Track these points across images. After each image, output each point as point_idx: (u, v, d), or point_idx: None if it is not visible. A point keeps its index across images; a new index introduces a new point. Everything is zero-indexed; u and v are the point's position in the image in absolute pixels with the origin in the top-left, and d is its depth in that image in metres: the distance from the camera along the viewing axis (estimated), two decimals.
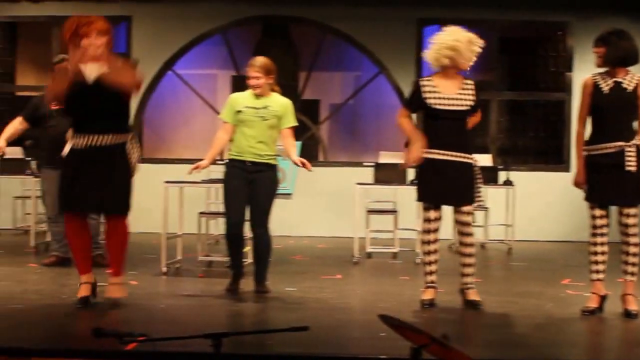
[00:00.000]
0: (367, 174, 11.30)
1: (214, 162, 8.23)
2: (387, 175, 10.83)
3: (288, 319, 6.89)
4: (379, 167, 11.06)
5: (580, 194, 7.37)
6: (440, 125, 7.41)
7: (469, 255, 7.48)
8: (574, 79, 14.26)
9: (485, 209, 12.31)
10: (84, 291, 7.25)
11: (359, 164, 13.39)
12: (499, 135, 14.85)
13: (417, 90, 7.49)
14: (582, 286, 8.40)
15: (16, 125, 9.70)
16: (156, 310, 7.24)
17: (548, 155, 14.89)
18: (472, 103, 7.41)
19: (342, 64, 15.63)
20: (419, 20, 13.97)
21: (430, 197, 7.47)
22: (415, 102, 7.53)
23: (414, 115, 7.91)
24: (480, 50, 7.42)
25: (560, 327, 6.99)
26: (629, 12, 13.07)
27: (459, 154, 7.36)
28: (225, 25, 14.51)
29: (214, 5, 14.15)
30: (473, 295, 7.48)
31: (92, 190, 7.05)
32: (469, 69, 7.47)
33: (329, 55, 15.19)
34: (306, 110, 14.73)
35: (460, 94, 7.38)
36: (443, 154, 7.33)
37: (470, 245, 7.48)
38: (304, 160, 7.77)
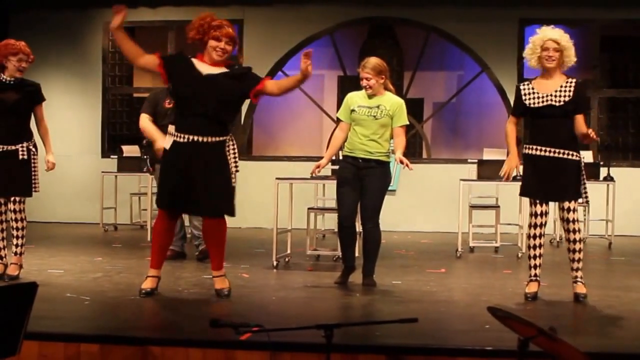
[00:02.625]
0: (470, 170, 11.27)
1: (318, 159, 8.28)
2: (489, 171, 10.77)
3: (394, 311, 6.88)
4: (482, 164, 11.02)
5: None
6: (539, 123, 7.37)
7: (575, 250, 7.39)
8: None
9: (587, 204, 12.13)
10: (149, 283, 7.35)
11: (462, 161, 13.38)
12: (600, 132, 14.64)
13: (517, 95, 7.46)
14: None
15: (149, 122, 9.59)
16: (268, 302, 7.30)
17: None
18: (567, 99, 7.26)
19: (445, 64, 15.59)
20: (521, 20, 13.85)
21: (531, 192, 7.44)
22: (518, 107, 7.48)
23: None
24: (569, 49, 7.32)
25: None
26: None
27: (559, 150, 7.26)
28: (333, 27, 14.58)
29: (322, 8, 14.22)
30: (579, 289, 7.40)
31: (190, 191, 7.08)
32: (568, 67, 7.40)
33: (432, 55, 15.15)
34: (410, 108, 14.66)
35: (558, 91, 7.28)
36: (543, 150, 7.27)
37: (575, 241, 7.38)
38: (405, 160, 7.74)
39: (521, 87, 7.44)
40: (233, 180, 7.32)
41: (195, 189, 7.06)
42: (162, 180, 7.38)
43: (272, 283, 8.44)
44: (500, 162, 10.63)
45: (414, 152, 14.81)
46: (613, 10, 13.53)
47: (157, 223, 7.36)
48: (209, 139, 7.05)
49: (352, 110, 8.03)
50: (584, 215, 12.38)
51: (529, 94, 7.35)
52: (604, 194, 12.22)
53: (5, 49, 7.86)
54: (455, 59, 15.11)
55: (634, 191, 13.64)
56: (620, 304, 7.48)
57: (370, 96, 8.03)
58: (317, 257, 9.98)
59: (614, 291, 8.19)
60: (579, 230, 7.41)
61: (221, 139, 7.14)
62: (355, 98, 8.12)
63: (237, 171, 7.39)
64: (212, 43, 7.06)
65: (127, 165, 12.87)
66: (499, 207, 11.35)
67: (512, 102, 7.79)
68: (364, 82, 7.98)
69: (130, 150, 13.01)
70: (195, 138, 7.02)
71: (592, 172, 11.54)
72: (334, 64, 15.06)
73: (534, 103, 7.30)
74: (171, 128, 7.24)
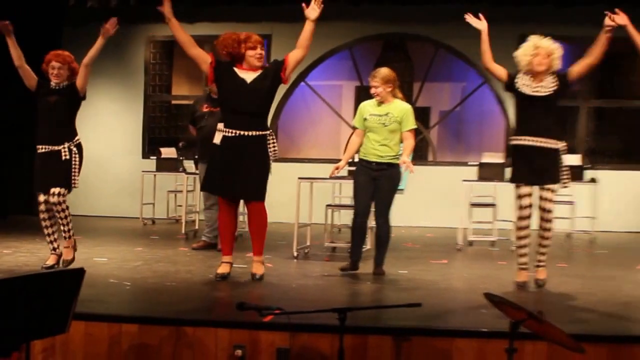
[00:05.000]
0: (471, 172, 11.32)
1: (336, 161, 8.34)
2: (489, 173, 10.85)
3: (401, 297, 6.94)
4: (482, 166, 11.07)
5: None
6: (526, 114, 7.33)
7: (546, 238, 7.34)
8: None
9: (572, 203, 12.17)
10: (223, 268, 7.54)
11: (464, 164, 13.39)
12: (587, 138, 14.67)
13: (513, 74, 7.42)
14: None
15: (194, 133, 9.96)
16: (289, 289, 7.35)
17: (630, 156, 14.63)
18: (556, 88, 7.23)
19: (450, 76, 15.59)
20: (520, 36, 13.76)
21: (518, 177, 7.35)
22: (510, 78, 7.42)
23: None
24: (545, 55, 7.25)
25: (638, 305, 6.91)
26: None
27: (543, 139, 7.21)
28: (351, 42, 14.64)
29: (342, 25, 14.22)
30: (540, 274, 7.41)
31: (237, 178, 7.37)
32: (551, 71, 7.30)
33: (439, 68, 15.17)
34: (418, 116, 14.69)
35: (545, 83, 7.25)
36: (530, 140, 7.22)
37: (548, 230, 7.32)
38: (408, 162, 7.78)
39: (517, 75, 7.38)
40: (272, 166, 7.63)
41: (242, 176, 7.37)
42: (212, 170, 7.55)
43: (293, 272, 8.49)
44: (498, 165, 10.75)
45: (421, 155, 14.83)
46: (599, 29, 13.49)
47: (221, 214, 7.61)
48: (254, 133, 7.39)
49: (365, 119, 8.07)
50: (571, 213, 12.39)
51: (521, 79, 7.32)
52: (589, 194, 12.24)
53: (45, 58, 7.95)
54: (460, 71, 15.09)
55: (616, 191, 13.66)
56: (600, 291, 7.53)
57: (379, 104, 8.06)
58: (333, 249, 10.01)
59: (596, 280, 8.24)
60: (552, 221, 7.34)
61: (263, 133, 7.46)
62: (367, 107, 8.15)
63: (275, 159, 7.64)
64: (250, 52, 7.42)
65: (164, 166, 12.95)
66: (495, 205, 11.38)
67: (510, 112, 7.78)
68: (372, 91, 8.04)
69: (168, 152, 13.09)
70: (243, 133, 7.35)
71: (578, 174, 11.56)
72: (352, 75, 15.11)
73: (525, 90, 7.26)
74: (220, 125, 7.49)
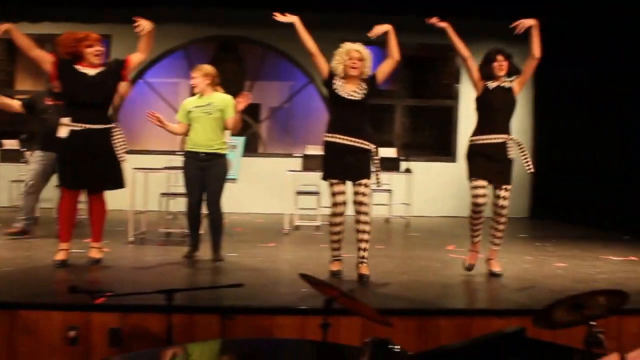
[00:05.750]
0: (297, 163, 11.36)
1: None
2: (312, 163, 10.89)
3: (228, 278, 6.84)
4: (306, 158, 11.11)
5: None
6: (339, 113, 7.06)
7: (364, 231, 7.03)
8: (461, 89, 14.44)
9: (389, 191, 12.40)
10: (62, 255, 7.29)
11: (290, 155, 13.42)
12: (403, 134, 14.98)
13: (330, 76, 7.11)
14: (462, 251, 8.51)
15: (14, 103, 9.41)
16: (125, 272, 7.15)
17: (440, 149, 15.04)
18: (366, 92, 7.01)
19: (279, 75, 15.60)
20: (342, 40, 13.91)
21: (331, 174, 7.06)
22: (329, 76, 7.12)
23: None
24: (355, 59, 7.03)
25: (446, 282, 7.06)
26: (499, 37, 13.24)
27: (350, 137, 6.94)
28: (187, 43, 14.48)
29: (178, 27, 14.08)
30: (363, 270, 7.02)
31: (93, 171, 7.19)
32: (365, 76, 7.08)
33: (269, 68, 15.18)
34: (249, 112, 14.70)
35: (357, 87, 7.01)
36: (339, 138, 6.96)
37: (365, 222, 7.01)
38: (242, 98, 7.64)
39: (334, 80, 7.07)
40: (122, 159, 7.34)
41: (99, 168, 7.20)
42: (63, 164, 7.27)
43: (129, 256, 8.26)
44: (318, 157, 10.77)
45: (252, 148, 14.79)
46: (412, 36, 13.80)
47: (63, 203, 7.30)
48: (100, 126, 7.18)
49: (189, 112, 7.91)
50: (389, 199, 12.63)
51: (338, 82, 7.04)
52: (404, 183, 12.51)
53: None
54: (288, 71, 15.12)
55: (427, 181, 14.04)
56: (412, 270, 7.68)
57: (200, 97, 7.95)
58: (168, 234, 9.84)
59: (409, 260, 8.39)
60: (367, 214, 7.02)
61: (108, 126, 7.27)
62: (189, 102, 8.02)
63: (124, 151, 7.39)
64: (88, 50, 7.20)
65: (7, 156, 12.47)
66: (319, 193, 11.45)
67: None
68: (192, 81, 7.95)
69: (11, 144, 12.61)
70: (89, 126, 7.12)
71: (394, 165, 11.78)
72: (188, 74, 14.85)
73: (339, 92, 6.99)
74: (66, 120, 7.20)
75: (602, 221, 12.19)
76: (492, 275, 7.40)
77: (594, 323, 3.56)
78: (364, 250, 7.05)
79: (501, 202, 7.28)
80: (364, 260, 7.04)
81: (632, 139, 11.77)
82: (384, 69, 7.14)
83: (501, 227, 7.39)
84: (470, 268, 7.51)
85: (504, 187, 7.26)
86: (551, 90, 14.17)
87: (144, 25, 7.21)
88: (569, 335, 4.06)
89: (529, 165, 7.24)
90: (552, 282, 7.10)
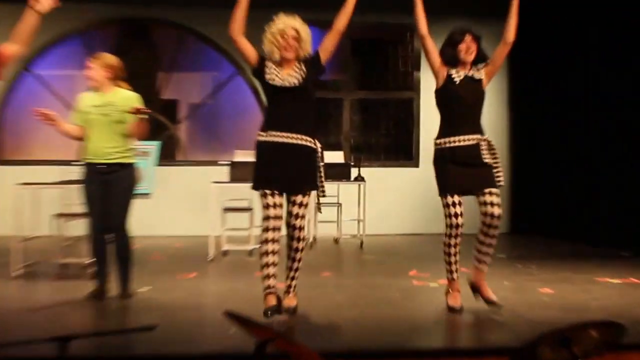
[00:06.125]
0: (224, 172, 11.24)
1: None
2: (242, 173, 10.73)
3: (139, 319, 6.78)
4: (234, 166, 10.98)
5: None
6: (276, 102, 6.81)
7: (296, 257, 6.85)
8: (422, 78, 14.53)
9: (338, 204, 12.40)
10: None
11: (215, 163, 13.36)
12: (352, 133, 15.00)
13: (262, 63, 6.89)
14: (427, 277, 8.52)
15: None
16: (8, 315, 7.00)
17: (398, 151, 15.09)
18: (303, 75, 6.76)
19: (200, 65, 15.54)
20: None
21: (261, 184, 6.79)
22: (259, 63, 6.89)
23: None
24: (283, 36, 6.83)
25: (409, 317, 7.03)
26: (468, 13, 13.36)
27: (290, 133, 6.69)
28: (83, 27, 14.33)
29: (74, 6, 13.88)
30: (290, 301, 6.90)
31: None
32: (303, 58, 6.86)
33: (188, 56, 15.10)
34: (165, 110, 14.62)
35: (293, 71, 6.78)
36: (277, 136, 6.72)
37: (300, 240, 6.79)
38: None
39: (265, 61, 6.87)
40: None
41: None
42: None
43: (13, 294, 8.12)
44: (250, 164, 10.69)
45: (168, 154, 14.69)
46: (362, 14, 13.81)
47: None
48: None
49: (84, 112, 7.68)
50: (338, 215, 12.63)
51: (268, 69, 6.82)
52: (356, 194, 12.51)
53: None
54: (211, 60, 15.08)
55: (384, 190, 14.08)
56: (367, 302, 7.67)
57: (100, 94, 7.70)
58: (64, 265, 9.69)
59: (363, 289, 8.38)
60: (302, 228, 6.80)
61: None
62: (85, 99, 7.78)
63: None
64: None
65: None
66: (252, 209, 11.36)
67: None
68: (86, 72, 7.69)
69: None
70: None
71: (344, 172, 11.80)
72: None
73: (272, 80, 6.73)
74: None
75: (595, 235, 12.32)
76: (489, 304, 7.19)
77: None
78: (294, 278, 6.93)
79: (490, 209, 6.98)
80: (293, 289, 6.95)
81: (630, 136, 11.91)
82: (327, 45, 6.83)
83: (492, 241, 7.11)
84: (456, 310, 7.15)
85: (487, 190, 7.01)
86: (529, 81, 14.31)
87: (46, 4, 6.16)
88: None
89: (499, 177, 7.11)
90: (536, 313, 7.12)
